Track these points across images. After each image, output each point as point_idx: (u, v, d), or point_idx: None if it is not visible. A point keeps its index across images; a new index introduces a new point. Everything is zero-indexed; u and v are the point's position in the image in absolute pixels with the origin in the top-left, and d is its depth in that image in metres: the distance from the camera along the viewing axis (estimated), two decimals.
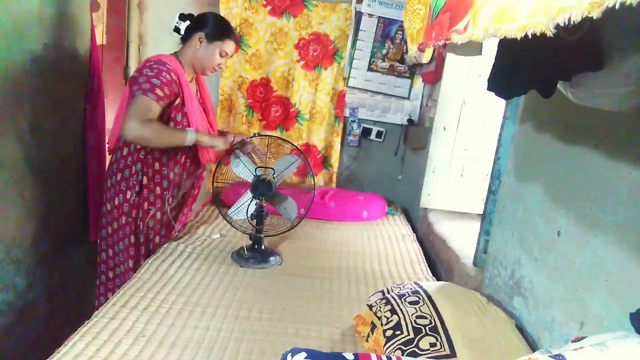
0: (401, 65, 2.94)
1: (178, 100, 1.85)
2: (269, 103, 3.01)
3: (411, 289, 1.43)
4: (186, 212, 2.19)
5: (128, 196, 1.91)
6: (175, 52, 1.95)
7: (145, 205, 1.93)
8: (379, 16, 2.85)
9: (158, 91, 1.74)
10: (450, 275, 1.99)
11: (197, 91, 2.03)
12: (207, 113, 2.04)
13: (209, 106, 2.09)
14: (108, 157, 2.18)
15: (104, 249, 1.96)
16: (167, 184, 1.96)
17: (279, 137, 2.22)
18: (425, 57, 1.12)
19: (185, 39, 1.93)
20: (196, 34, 1.88)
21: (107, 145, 2.07)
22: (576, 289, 1.09)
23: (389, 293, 1.45)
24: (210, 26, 1.88)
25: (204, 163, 2.03)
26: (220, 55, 1.91)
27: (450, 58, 2.42)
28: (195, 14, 1.95)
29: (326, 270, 1.95)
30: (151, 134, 1.73)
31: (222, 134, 2.14)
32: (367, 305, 1.45)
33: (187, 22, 1.90)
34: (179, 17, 1.92)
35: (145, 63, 1.82)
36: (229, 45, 1.93)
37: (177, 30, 1.92)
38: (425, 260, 2.13)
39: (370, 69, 2.94)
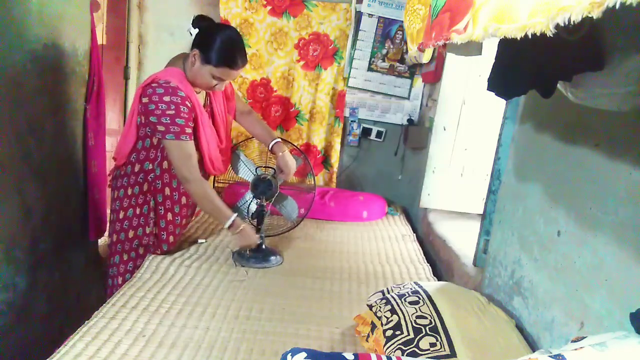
0: (401, 65, 2.94)
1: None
2: (269, 103, 3.01)
3: (411, 289, 1.43)
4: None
5: (138, 212, 1.86)
6: (183, 57, 1.82)
7: (155, 230, 1.89)
8: (379, 16, 2.85)
9: (187, 130, 1.72)
10: (450, 275, 1.99)
11: (206, 99, 1.93)
12: (217, 121, 1.95)
13: (219, 113, 1.96)
14: (109, 158, 2.17)
15: (112, 253, 1.94)
16: (179, 208, 1.91)
17: (280, 137, 2.22)
18: (425, 57, 1.12)
19: (191, 47, 1.76)
20: (193, 50, 1.72)
21: (113, 159, 1.97)
22: (576, 289, 1.09)
23: (389, 293, 1.45)
24: (208, 48, 1.69)
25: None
26: (214, 78, 1.73)
27: (450, 58, 2.42)
28: (205, 17, 1.80)
29: (326, 270, 1.95)
30: (204, 195, 1.78)
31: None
32: (367, 305, 1.45)
33: (197, 31, 1.74)
34: (193, 22, 1.76)
35: (155, 86, 1.68)
36: (225, 74, 1.73)
37: (191, 34, 1.77)
38: (425, 260, 2.13)
39: (370, 69, 2.94)
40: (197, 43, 1.73)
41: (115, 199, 1.89)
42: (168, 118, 1.68)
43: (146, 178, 1.85)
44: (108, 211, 2.15)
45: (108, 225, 1.98)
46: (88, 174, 2.19)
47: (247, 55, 2.99)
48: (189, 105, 1.73)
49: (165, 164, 1.83)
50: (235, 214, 1.81)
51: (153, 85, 1.70)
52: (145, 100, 1.71)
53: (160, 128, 1.70)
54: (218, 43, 1.69)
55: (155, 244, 1.92)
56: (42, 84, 1.81)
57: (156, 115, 1.69)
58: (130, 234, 1.88)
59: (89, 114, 2.15)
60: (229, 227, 1.81)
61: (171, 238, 1.93)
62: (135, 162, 1.84)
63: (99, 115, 2.22)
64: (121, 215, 1.87)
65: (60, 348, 1.25)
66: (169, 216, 1.90)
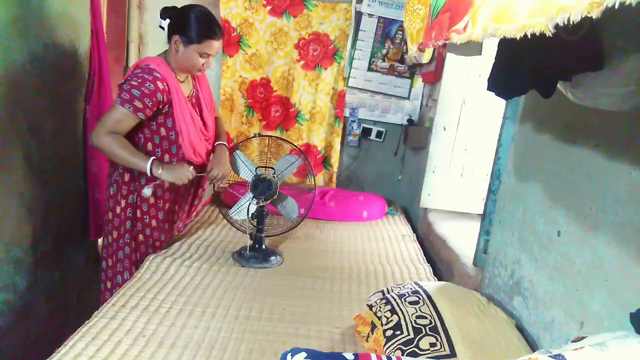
0: (401, 65, 2.94)
1: (167, 108, 1.80)
2: (269, 103, 3.01)
3: (411, 288, 1.43)
4: (190, 212, 2.16)
5: (123, 205, 1.87)
6: (165, 50, 1.85)
7: (138, 213, 1.89)
8: (379, 16, 2.85)
9: (137, 103, 1.70)
10: (450, 275, 1.99)
11: (192, 91, 1.94)
12: (203, 112, 1.96)
13: (206, 103, 1.99)
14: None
15: (105, 257, 1.94)
16: (162, 191, 1.90)
17: (279, 137, 2.21)
18: (425, 57, 1.12)
19: (168, 38, 1.80)
20: (173, 37, 1.76)
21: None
22: (576, 289, 1.09)
23: (389, 293, 1.45)
24: (186, 29, 1.74)
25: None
26: (202, 56, 1.78)
27: (450, 58, 2.42)
28: (169, 7, 1.80)
29: (326, 270, 1.95)
30: (108, 147, 1.72)
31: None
32: (367, 305, 1.45)
33: (167, 21, 1.77)
34: (160, 14, 1.79)
35: (134, 69, 1.76)
36: (210, 47, 1.77)
37: (162, 27, 1.81)
38: (425, 260, 2.13)
39: (370, 69, 2.94)
40: (173, 30, 1.77)
41: (111, 196, 1.90)
42: (128, 86, 1.71)
43: (126, 168, 1.84)
44: None
45: (105, 225, 1.96)
46: (88, 174, 2.19)
47: (247, 55, 3.00)
48: (160, 86, 1.74)
49: (149, 146, 1.82)
50: (151, 158, 1.74)
51: (133, 69, 1.75)
52: (123, 81, 1.75)
53: (117, 93, 1.72)
54: (193, 21, 1.74)
55: (146, 236, 1.92)
56: (42, 84, 1.81)
57: (122, 88, 1.72)
58: (122, 229, 1.89)
59: (89, 114, 2.15)
60: (151, 171, 1.73)
61: (153, 222, 1.93)
62: None
63: (100, 115, 2.21)
64: (118, 210, 1.88)
65: (60, 348, 1.25)
66: (151, 200, 1.89)
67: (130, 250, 1.92)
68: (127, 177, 1.86)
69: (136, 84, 1.70)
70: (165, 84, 1.75)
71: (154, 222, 1.94)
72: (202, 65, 1.81)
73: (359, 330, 1.42)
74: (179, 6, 1.80)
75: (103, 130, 1.70)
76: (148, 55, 2.89)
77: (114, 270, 1.93)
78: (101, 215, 2.25)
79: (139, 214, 1.90)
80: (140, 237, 1.93)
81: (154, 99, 1.74)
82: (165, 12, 1.79)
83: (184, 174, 1.78)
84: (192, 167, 1.82)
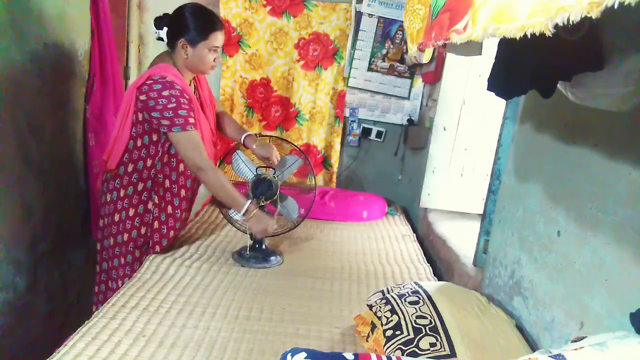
0: (401, 65, 2.94)
1: None
2: (269, 103, 3.01)
3: (411, 288, 1.43)
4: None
5: (131, 214, 1.84)
6: (167, 54, 1.83)
7: (156, 224, 1.88)
8: (379, 16, 2.85)
9: (190, 120, 1.72)
10: (450, 275, 1.99)
11: (195, 92, 1.94)
12: (206, 112, 1.97)
13: (207, 104, 1.99)
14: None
15: (105, 259, 1.92)
16: (179, 201, 1.90)
17: (280, 137, 2.21)
18: (425, 57, 1.12)
19: (170, 45, 1.80)
20: (178, 42, 1.76)
21: (103, 161, 1.92)
22: (576, 289, 1.09)
23: (389, 293, 1.45)
24: (187, 29, 1.74)
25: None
26: (210, 52, 1.78)
27: (450, 58, 2.42)
28: (161, 16, 1.80)
29: (326, 270, 1.95)
30: (223, 182, 1.78)
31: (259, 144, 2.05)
32: (367, 305, 1.45)
33: (166, 28, 1.77)
34: (155, 25, 1.77)
35: (147, 80, 1.70)
36: (216, 39, 1.77)
37: (160, 39, 1.80)
38: (425, 260, 2.12)
39: (370, 69, 2.94)
40: (176, 35, 1.76)
41: (108, 202, 1.86)
42: (171, 112, 1.69)
43: (141, 177, 1.83)
44: None
45: (99, 230, 1.93)
46: (89, 174, 2.19)
47: (247, 55, 3.00)
48: (186, 97, 1.75)
49: (165, 158, 1.82)
50: (249, 201, 1.81)
51: (148, 82, 1.71)
52: (143, 97, 1.71)
53: (165, 122, 1.71)
54: (192, 19, 1.74)
55: (153, 242, 1.90)
56: (42, 84, 1.81)
57: (158, 110, 1.70)
58: (125, 236, 1.86)
59: (89, 114, 2.15)
60: (245, 214, 1.80)
61: (171, 233, 1.92)
62: (129, 163, 1.82)
63: (100, 115, 2.21)
64: (117, 218, 1.85)
65: (60, 348, 1.25)
66: (169, 209, 1.89)
67: (132, 258, 1.89)
68: (140, 186, 1.84)
69: (174, 105, 1.70)
70: (188, 95, 1.76)
71: (172, 233, 1.93)
72: (214, 61, 1.81)
73: (359, 330, 1.42)
74: (171, 10, 1.79)
75: (204, 164, 1.74)
76: (147, 56, 2.90)
77: (108, 275, 1.91)
78: None
79: (156, 224, 1.88)
80: (145, 247, 1.91)
81: (192, 108, 1.76)
82: (160, 22, 1.78)
83: (268, 224, 1.85)
84: (273, 220, 1.90)
